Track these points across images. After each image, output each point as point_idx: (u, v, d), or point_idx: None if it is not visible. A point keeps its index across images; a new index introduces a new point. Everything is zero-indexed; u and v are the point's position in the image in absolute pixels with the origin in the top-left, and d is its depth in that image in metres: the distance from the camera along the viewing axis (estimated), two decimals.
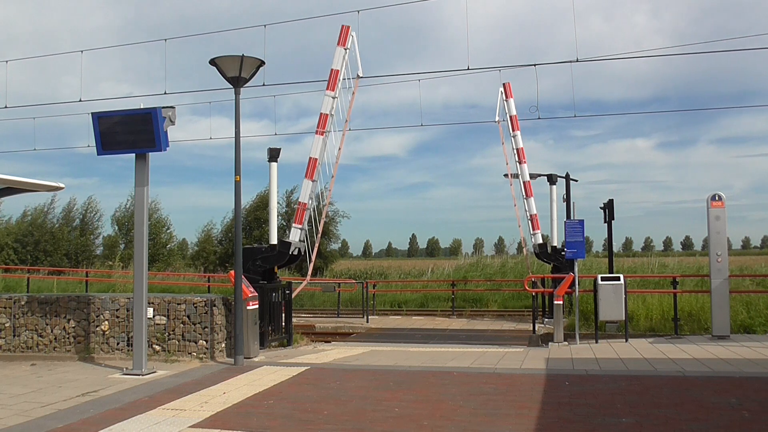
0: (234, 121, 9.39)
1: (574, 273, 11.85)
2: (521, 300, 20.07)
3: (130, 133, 8.45)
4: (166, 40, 15.72)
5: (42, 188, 8.92)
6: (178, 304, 9.78)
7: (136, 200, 8.98)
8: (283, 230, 23.00)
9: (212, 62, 9.06)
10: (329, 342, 13.85)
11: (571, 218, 14.26)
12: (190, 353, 9.62)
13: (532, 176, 17.91)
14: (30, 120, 20.46)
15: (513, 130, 17.84)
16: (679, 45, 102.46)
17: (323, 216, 14.56)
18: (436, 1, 15.06)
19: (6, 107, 17.35)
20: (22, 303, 10.31)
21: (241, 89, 9.31)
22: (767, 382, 7.50)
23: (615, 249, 16.89)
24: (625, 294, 11.44)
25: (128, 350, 9.61)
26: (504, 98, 18.00)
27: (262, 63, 9.27)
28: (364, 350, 11.44)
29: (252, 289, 10.10)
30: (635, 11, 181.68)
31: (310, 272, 15.08)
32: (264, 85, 14.09)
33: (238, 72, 9.03)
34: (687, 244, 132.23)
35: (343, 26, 14.00)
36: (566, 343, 11.50)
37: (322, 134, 13.29)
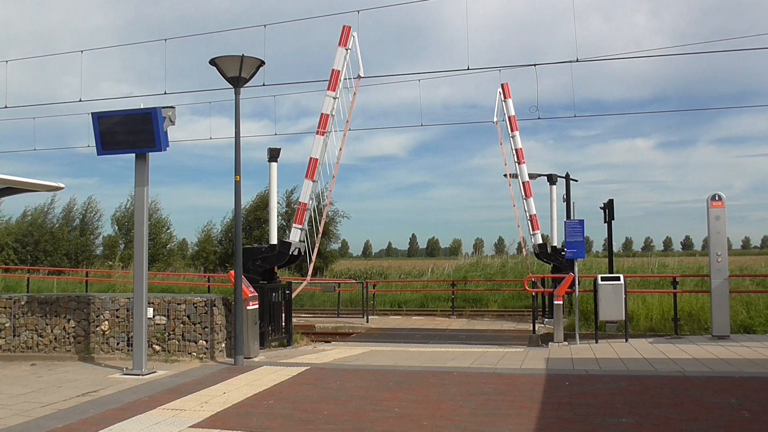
0: (234, 121, 9.40)
1: (574, 273, 11.85)
2: (521, 300, 20.07)
3: (130, 133, 8.45)
4: (166, 40, 15.73)
5: (42, 188, 8.92)
6: (178, 304, 9.78)
7: (136, 200, 8.98)
8: (283, 230, 23.01)
9: (212, 62, 9.06)
10: (329, 342, 13.85)
11: (571, 218, 14.27)
12: (190, 353, 9.62)
13: (532, 176, 17.91)
14: (30, 120, 20.50)
15: (512, 131, 17.84)
16: (679, 45, 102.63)
17: (324, 216, 14.56)
18: (436, 1, 15.09)
19: (6, 107, 17.37)
20: (22, 303, 10.31)
21: (241, 89, 9.31)
22: (767, 382, 7.51)
23: (615, 249, 16.90)
24: (625, 294, 11.44)
25: (128, 350, 9.61)
26: (502, 99, 18.00)
27: (262, 63, 9.27)
28: (364, 350, 11.44)
29: (252, 289, 10.10)
30: (635, 11, 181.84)
31: (310, 272, 15.08)
32: (264, 85, 14.10)
33: (238, 72, 9.03)
34: (687, 244, 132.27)
35: (344, 26, 14.00)
36: (566, 343, 11.50)
37: (323, 134, 13.28)
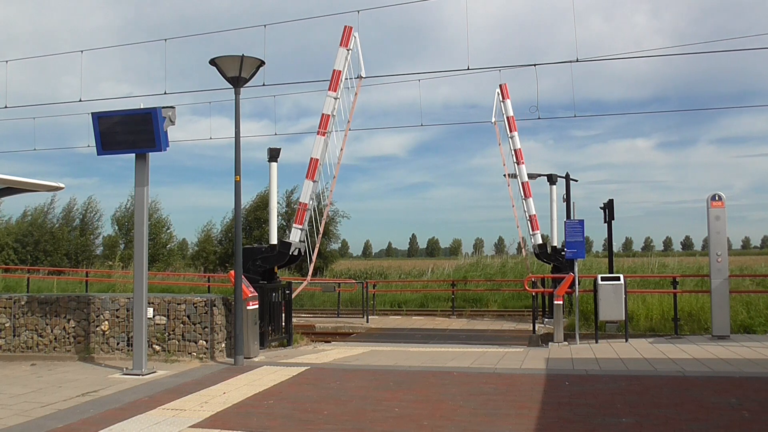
0: (234, 121, 9.40)
1: (574, 273, 11.85)
2: (521, 300, 20.07)
3: (130, 133, 8.45)
4: (166, 40, 15.74)
5: (42, 188, 8.92)
6: (178, 304, 9.78)
7: (136, 200, 8.98)
8: (283, 230, 23.02)
9: (212, 62, 9.05)
10: (329, 342, 13.85)
11: (571, 218, 14.27)
12: (190, 353, 9.62)
13: (532, 176, 17.91)
14: (30, 120, 20.50)
15: (510, 131, 17.84)
16: (679, 45, 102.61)
17: (324, 216, 14.56)
18: (436, 1, 15.09)
19: (6, 107, 17.37)
20: (22, 303, 10.31)
21: (241, 89, 9.31)
22: (767, 382, 7.51)
23: (615, 249, 16.90)
24: (625, 294, 11.44)
25: (128, 350, 9.61)
26: (501, 99, 18.00)
27: (262, 63, 9.27)
28: (364, 350, 11.44)
29: (252, 289, 10.10)
30: (635, 11, 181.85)
31: (310, 273, 15.09)
32: (264, 85, 14.11)
33: (238, 72, 9.03)
34: (687, 244, 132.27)
35: (345, 27, 14.00)
36: (566, 343, 11.50)
37: (324, 135, 13.28)
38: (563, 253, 15.06)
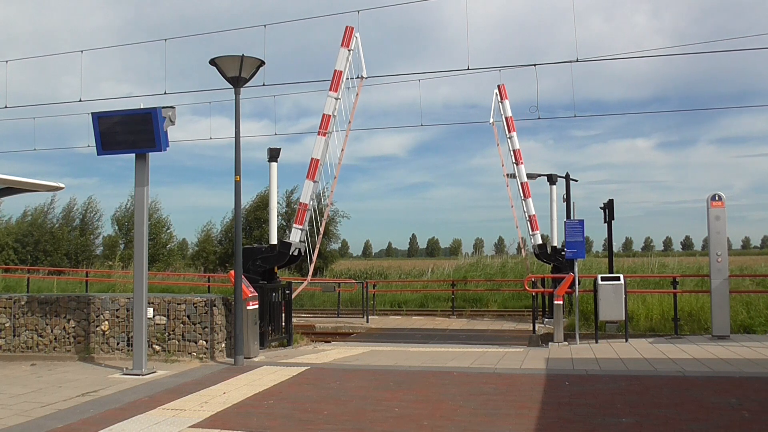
0: (234, 121, 9.40)
1: (574, 273, 11.85)
2: (521, 300, 20.07)
3: (130, 133, 8.45)
4: (166, 40, 15.75)
5: (42, 188, 8.92)
6: (178, 304, 9.78)
7: (136, 200, 8.98)
8: (283, 230, 23.02)
9: (212, 62, 9.05)
10: (329, 342, 13.86)
11: (571, 218, 14.26)
12: (190, 353, 9.62)
13: (532, 176, 17.91)
14: (30, 120, 20.51)
15: (509, 132, 17.85)
16: (679, 45, 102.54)
17: (325, 217, 14.56)
18: (436, 1, 15.09)
19: (6, 107, 17.38)
20: (22, 303, 10.31)
21: (241, 89, 9.31)
22: (767, 382, 7.51)
23: (615, 249, 16.90)
24: (625, 294, 11.44)
25: (128, 350, 9.61)
26: (499, 100, 18.01)
27: (262, 63, 9.27)
28: (364, 350, 11.44)
29: (252, 289, 10.10)
30: (635, 11, 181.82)
31: (311, 273, 15.09)
32: (264, 85, 14.12)
33: (238, 72, 9.03)
34: (687, 244, 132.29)
35: (347, 27, 14.00)
36: (566, 343, 11.50)
37: (325, 135, 13.28)
38: (563, 253, 15.06)
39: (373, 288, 19.65)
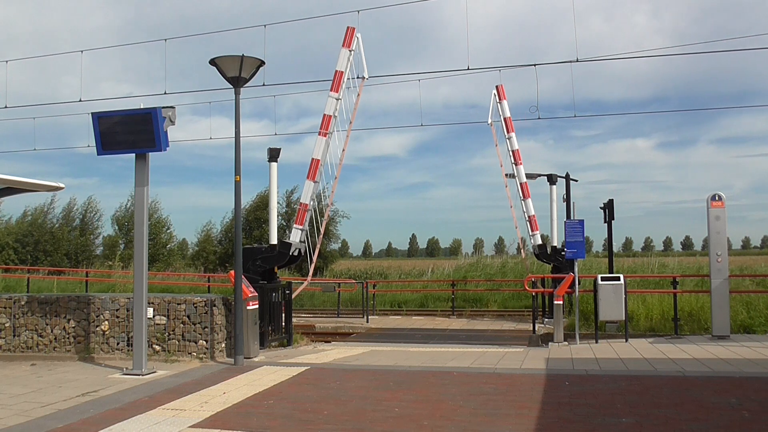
0: (234, 121, 9.40)
1: (574, 273, 11.85)
2: (521, 300, 20.07)
3: (130, 133, 8.45)
4: (166, 40, 15.77)
5: (42, 188, 8.92)
6: (178, 304, 9.78)
7: (136, 200, 8.98)
8: (283, 230, 23.04)
9: (212, 62, 9.05)
10: (329, 342, 13.85)
11: (571, 218, 14.26)
12: (190, 353, 9.62)
13: (532, 176, 17.91)
14: (30, 120, 20.53)
15: (507, 132, 17.85)
16: (679, 45, 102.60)
17: (325, 217, 14.56)
18: (436, 1, 15.10)
19: (6, 107, 17.40)
20: (22, 303, 10.31)
21: (241, 89, 9.31)
22: (767, 382, 7.51)
23: (615, 249, 16.89)
24: (625, 294, 11.44)
25: (128, 350, 9.61)
26: (497, 100, 18.02)
27: (262, 63, 9.27)
28: (364, 350, 11.44)
29: (252, 289, 10.10)
30: (635, 11, 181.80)
31: (311, 273, 15.09)
32: (264, 85, 14.13)
33: (238, 72, 9.03)
34: (687, 244, 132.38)
35: (348, 28, 14.01)
36: (566, 343, 11.50)
37: (325, 135, 13.28)
38: (563, 253, 15.06)
39: (373, 288, 19.65)
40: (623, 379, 7.74)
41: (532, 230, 17.54)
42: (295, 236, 12.54)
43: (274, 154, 11.94)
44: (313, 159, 13.12)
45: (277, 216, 16.43)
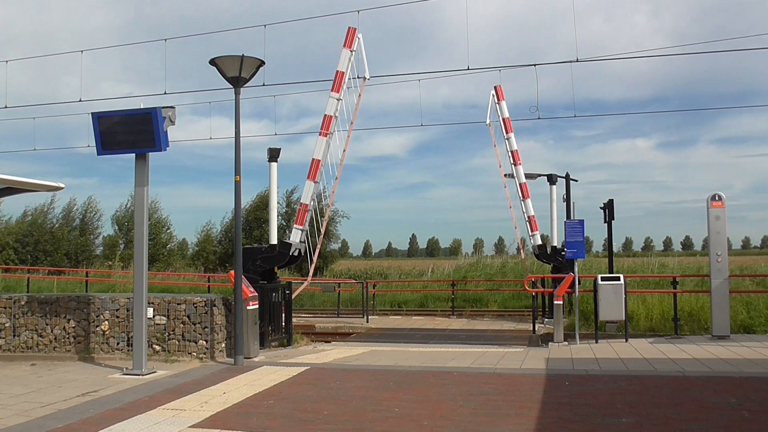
0: (234, 121, 9.40)
1: (574, 273, 11.85)
2: (521, 300, 20.07)
3: (130, 133, 8.45)
4: (166, 40, 15.78)
5: (42, 188, 8.92)
6: (178, 304, 9.78)
7: (136, 200, 8.98)
8: (283, 230, 23.04)
9: (212, 62, 9.05)
10: (329, 342, 13.85)
11: (571, 218, 14.26)
12: (190, 353, 9.62)
13: (532, 176, 17.91)
14: (30, 120, 20.55)
15: (506, 133, 17.85)
16: (679, 45, 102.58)
17: (326, 217, 14.56)
18: (436, 1, 15.11)
19: (6, 107, 17.41)
20: (22, 303, 10.31)
21: (241, 89, 9.31)
22: (767, 382, 7.51)
23: (615, 249, 16.89)
24: (625, 294, 11.44)
25: (128, 350, 9.61)
26: (496, 101, 18.01)
27: (262, 63, 9.27)
28: (364, 350, 11.44)
29: (252, 289, 10.10)
30: (635, 11, 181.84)
31: (311, 273, 15.08)
32: (264, 85, 14.14)
33: (238, 72, 9.03)
34: (687, 244, 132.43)
35: (349, 28, 14.01)
36: (566, 343, 11.50)
37: (326, 136, 13.27)
38: (563, 253, 15.06)
39: (373, 288, 19.65)
40: (623, 379, 7.74)
41: (532, 230, 17.54)
42: (296, 236, 12.54)
43: (274, 154, 11.95)
44: (313, 159, 13.12)
45: (277, 216, 16.43)
